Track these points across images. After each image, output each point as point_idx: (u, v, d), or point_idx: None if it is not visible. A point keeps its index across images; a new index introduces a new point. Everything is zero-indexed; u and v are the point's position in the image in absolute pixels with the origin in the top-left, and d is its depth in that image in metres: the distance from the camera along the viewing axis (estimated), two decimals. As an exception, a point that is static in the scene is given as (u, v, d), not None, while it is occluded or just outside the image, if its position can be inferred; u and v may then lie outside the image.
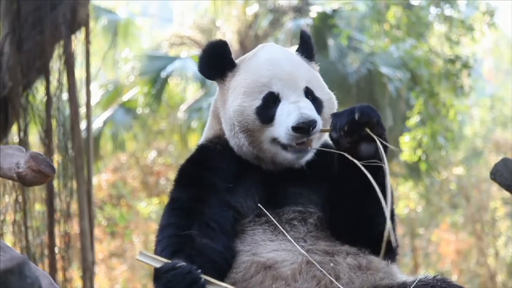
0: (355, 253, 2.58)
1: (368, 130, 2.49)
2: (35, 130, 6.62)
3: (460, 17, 10.65)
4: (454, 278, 14.02)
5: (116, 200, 14.28)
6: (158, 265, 2.43)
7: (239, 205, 2.67)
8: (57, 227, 6.48)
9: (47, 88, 6.42)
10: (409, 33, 10.54)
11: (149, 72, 13.96)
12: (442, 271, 13.80)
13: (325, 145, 2.76)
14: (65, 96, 6.59)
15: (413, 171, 13.62)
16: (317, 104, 2.71)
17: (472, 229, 15.44)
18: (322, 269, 2.49)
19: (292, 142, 2.63)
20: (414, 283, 2.46)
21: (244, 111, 2.68)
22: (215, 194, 2.66)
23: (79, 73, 6.72)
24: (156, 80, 13.88)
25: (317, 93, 2.75)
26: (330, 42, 13.02)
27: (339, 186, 2.61)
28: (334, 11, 13.24)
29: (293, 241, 2.57)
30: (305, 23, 12.88)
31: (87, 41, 6.63)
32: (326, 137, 2.78)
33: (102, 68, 12.18)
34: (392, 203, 2.43)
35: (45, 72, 6.39)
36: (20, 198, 6.29)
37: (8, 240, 6.33)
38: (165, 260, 2.43)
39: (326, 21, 12.89)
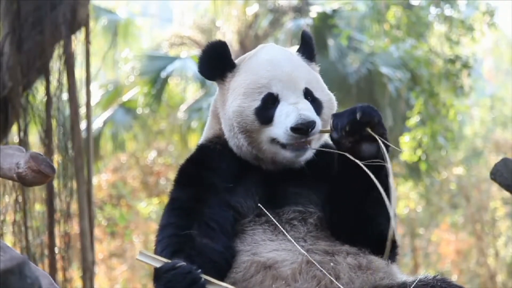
0: (355, 253, 2.58)
1: (369, 130, 2.49)
2: (35, 130, 6.62)
3: (460, 17, 10.64)
4: (454, 278, 14.01)
5: (116, 200, 14.27)
6: (158, 265, 2.43)
7: (239, 205, 2.67)
8: (57, 227, 6.48)
9: (47, 88, 6.42)
10: (409, 33, 10.54)
11: (149, 72, 13.95)
12: (442, 271, 13.79)
13: (325, 145, 2.77)
14: (65, 96, 6.59)
15: (413, 171, 13.61)
16: (317, 105, 2.72)
17: (472, 229, 15.43)
18: (322, 269, 2.49)
19: (290, 142, 2.64)
20: (414, 283, 2.46)
21: (243, 111, 2.68)
22: (215, 194, 2.66)
23: (79, 73, 6.72)
24: (156, 80, 13.87)
25: (317, 94, 2.75)
26: (330, 42, 13.02)
27: (339, 186, 2.61)
28: (334, 11, 13.23)
29: (293, 241, 2.57)
30: (305, 23, 12.87)
31: (87, 41, 6.63)
32: (326, 137, 2.78)
33: (102, 68, 12.17)
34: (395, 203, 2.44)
35: (45, 72, 6.39)
36: (20, 198, 6.28)
37: (8, 240, 6.33)
38: (165, 260, 2.44)
39: (326, 21, 12.89)
